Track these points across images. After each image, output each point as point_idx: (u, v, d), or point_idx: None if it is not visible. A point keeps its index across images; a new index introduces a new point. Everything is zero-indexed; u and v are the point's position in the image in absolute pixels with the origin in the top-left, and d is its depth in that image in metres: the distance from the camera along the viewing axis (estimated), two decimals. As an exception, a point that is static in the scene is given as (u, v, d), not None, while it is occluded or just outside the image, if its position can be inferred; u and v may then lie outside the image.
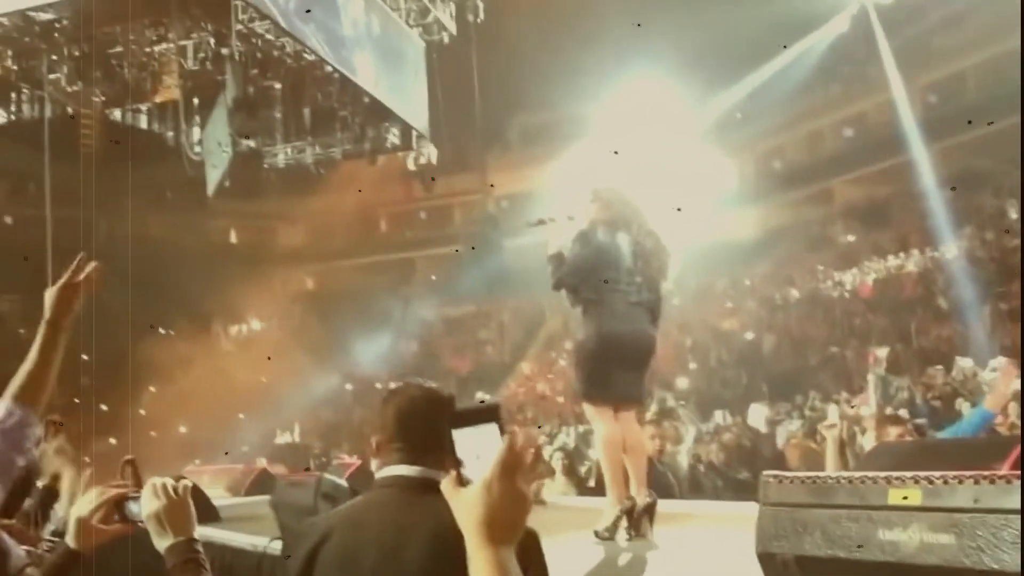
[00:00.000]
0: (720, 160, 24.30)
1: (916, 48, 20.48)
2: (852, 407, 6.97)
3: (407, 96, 16.64)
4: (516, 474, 1.20)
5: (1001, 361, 6.82)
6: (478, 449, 1.23)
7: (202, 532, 2.11)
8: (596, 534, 4.26)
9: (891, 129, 20.88)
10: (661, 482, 6.07)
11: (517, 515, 1.20)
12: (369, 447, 2.31)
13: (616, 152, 18.76)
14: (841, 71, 22.43)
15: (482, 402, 1.33)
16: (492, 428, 1.24)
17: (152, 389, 20.23)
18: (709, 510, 5.58)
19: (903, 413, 7.93)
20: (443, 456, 2.23)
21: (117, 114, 16.34)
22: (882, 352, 7.36)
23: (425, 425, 2.22)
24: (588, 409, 4.54)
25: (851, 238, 21.63)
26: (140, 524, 2.06)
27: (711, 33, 18.96)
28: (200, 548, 2.00)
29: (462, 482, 1.22)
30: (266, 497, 6.97)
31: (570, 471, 8.80)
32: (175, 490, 2.02)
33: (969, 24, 19.79)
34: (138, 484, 2.21)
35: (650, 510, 4.28)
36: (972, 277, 15.39)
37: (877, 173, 21.90)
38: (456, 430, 1.25)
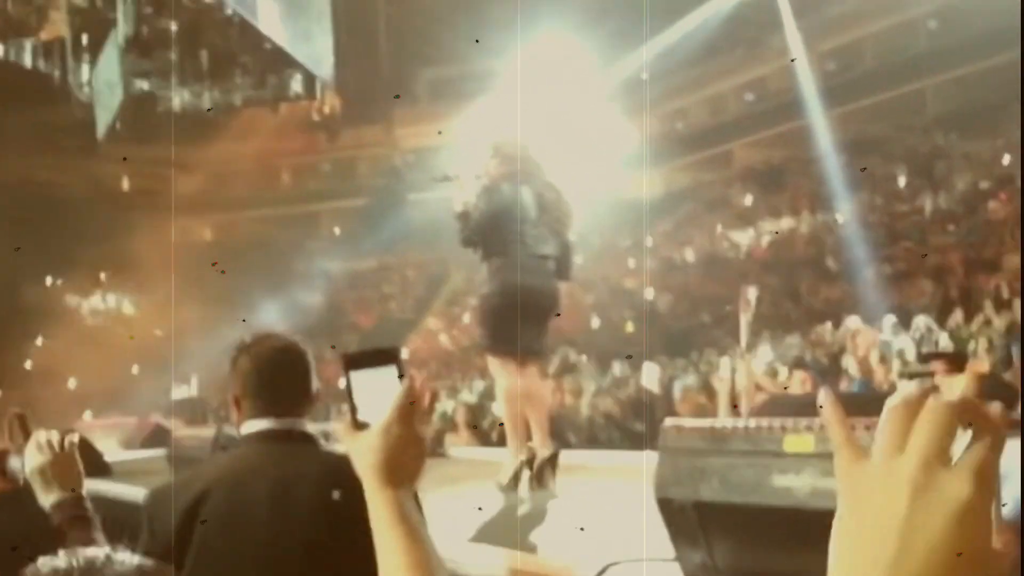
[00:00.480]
0: (625, 120, 24.53)
1: (816, 16, 20.97)
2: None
3: (311, 43, 16.21)
4: (414, 417, 1.19)
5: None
6: (375, 392, 1.20)
7: (92, 486, 2.04)
8: (498, 486, 4.32)
9: (791, 95, 21.41)
10: (562, 434, 6.19)
11: (415, 458, 1.19)
12: (230, 404, 2.27)
13: (521, 108, 18.73)
14: (744, 36, 22.82)
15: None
16: (391, 371, 1.21)
17: (39, 341, 19.46)
18: (608, 461, 5.72)
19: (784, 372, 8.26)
20: (305, 406, 2.23)
21: (-1, 49, 15.45)
22: (752, 295, 7.52)
23: (285, 376, 2.21)
24: (492, 362, 4.59)
25: (748, 200, 22.19)
26: (22, 481, 1.97)
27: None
28: (88, 504, 1.93)
29: (359, 426, 1.19)
30: (160, 451, 6.83)
31: (472, 425, 8.88)
32: (61, 444, 1.93)
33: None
34: (27, 438, 2.12)
35: (552, 461, 4.35)
36: (862, 240, 16.00)
37: (776, 137, 22.48)
38: (354, 372, 1.22)
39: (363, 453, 1.18)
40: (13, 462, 2.04)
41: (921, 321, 10.20)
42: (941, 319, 10.77)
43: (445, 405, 10.69)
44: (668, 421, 2.58)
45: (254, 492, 2.09)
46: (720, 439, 2.37)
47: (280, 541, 2.04)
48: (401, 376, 1.20)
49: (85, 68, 14.78)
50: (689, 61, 22.20)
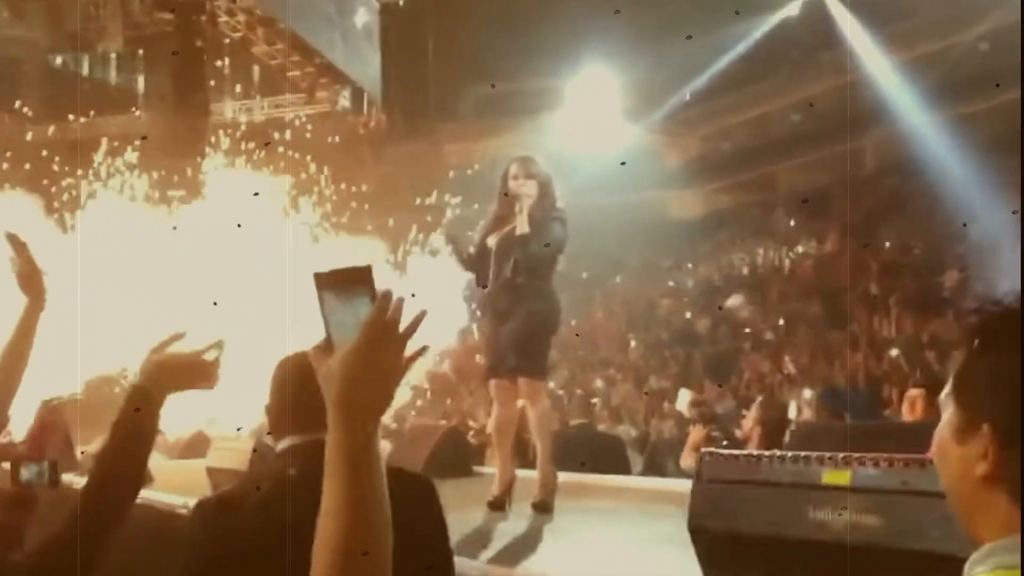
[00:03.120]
0: (667, 139, 24.52)
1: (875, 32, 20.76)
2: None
3: (362, 61, 16.46)
4: (387, 344, 1.07)
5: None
6: (349, 316, 1.10)
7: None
8: (488, 504, 4.44)
9: (840, 115, 21.23)
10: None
11: (382, 389, 1.07)
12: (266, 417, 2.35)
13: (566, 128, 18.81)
14: (791, 55, 22.69)
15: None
16: (364, 292, 1.10)
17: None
18: (611, 483, 5.76)
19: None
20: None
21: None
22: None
23: (315, 392, 2.28)
24: (490, 386, 4.65)
25: (791, 223, 21.99)
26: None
27: (666, 12, 19.01)
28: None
29: (329, 351, 1.09)
30: (200, 460, 6.92)
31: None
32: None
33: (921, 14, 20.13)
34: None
35: (540, 507, 4.38)
36: (904, 265, 15.79)
37: (819, 160, 22.27)
38: (327, 292, 1.11)
39: (327, 378, 1.08)
40: (23, 471, 2.06)
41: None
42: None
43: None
44: (706, 450, 2.58)
45: (287, 505, 2.13)
46: (757, 469, 2.36)
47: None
48: (373, 299, 1.09)
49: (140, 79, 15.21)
50: (734, 81, 22.14)
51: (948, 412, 1.03)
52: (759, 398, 7.64)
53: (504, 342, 4.43)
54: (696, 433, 6.38)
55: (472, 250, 4.68)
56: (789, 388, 10.93)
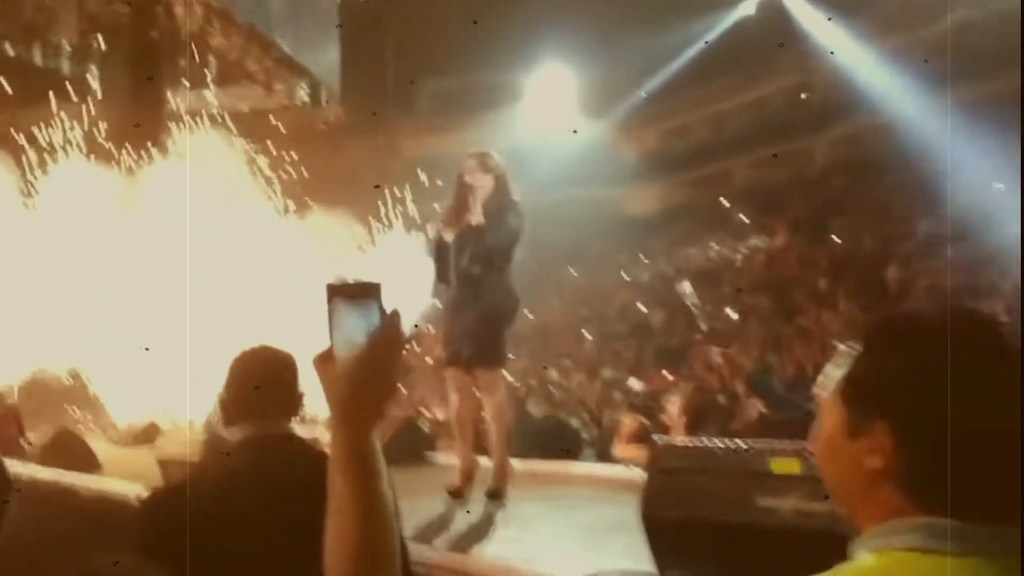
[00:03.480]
0: (623, 135, 24.64)
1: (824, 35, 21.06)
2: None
3: (319, 52, 16.32)
4: (389, 356, 1.17)
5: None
6: (354, 326, 1.19)
7: (81, 480, 2.09)
8: (448, 492, 4.51)
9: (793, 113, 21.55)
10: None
11: (381, 398, 1.16)
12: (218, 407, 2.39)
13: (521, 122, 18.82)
14: (746, 55, 22.94)
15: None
16: (372, 306, 1.19)
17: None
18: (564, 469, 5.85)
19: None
20: (290, 411, 2.29)
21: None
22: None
23: (268, 383, 2.31)
24: (447, 376, 4.70)
25: (744, 218, 22.25)
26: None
27: (627, 8, 19.10)
28: None
29: (332, 358, 1.17)
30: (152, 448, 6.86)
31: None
32: None
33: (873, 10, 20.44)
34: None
35: (493, 495, 4.46)
36: (852, 261, 16.06)
37: (772, 157, 22.58)
38: (335, 303, 1.20)
39: (332, 385, 1.16)
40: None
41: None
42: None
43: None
44: (657, 437, 2.64)
45: (244, 494, 2.15)
46: (709, 458, 2.42)
47: (272, 539, 2.09)
48: (381, 312, 1.19)
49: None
50: (689, 79, 22.34)
51: (834, 411, 1.11)
52: (689, 387, 7.68)
53: (460, 332, 4.48)
54: (627, 421, 6.40)
55: (431, 245, 4.73)
56: (737, 378, 11.06)
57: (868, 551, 1.04)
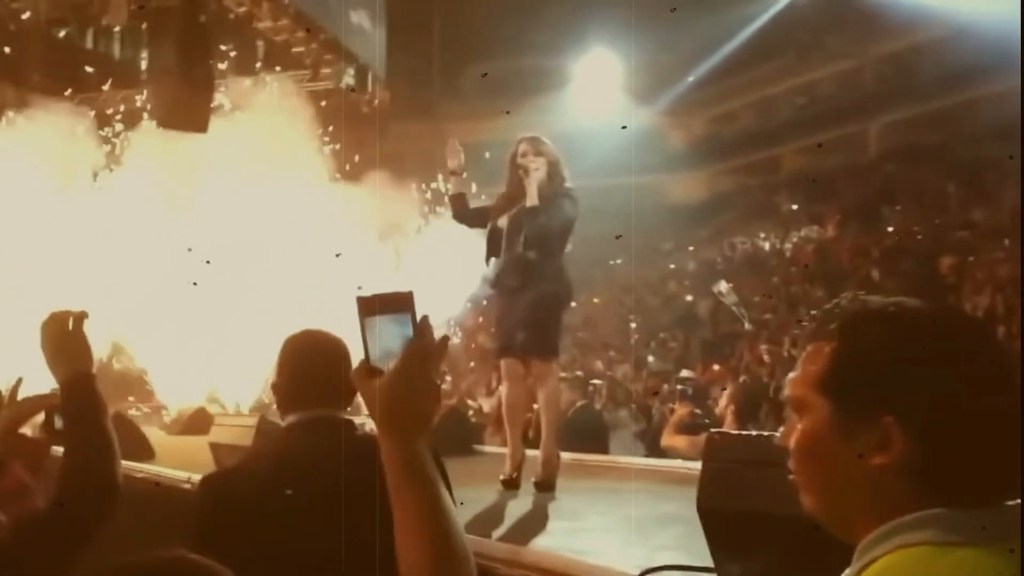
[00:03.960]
0: (670, 122, 24.40)
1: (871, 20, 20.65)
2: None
3: (365, 36, 16.34)
4: (427, 364, 1.17)
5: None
6: (390, 338, 1.19)
7: (136, 467, 2.09)
8: (502, 482, 4.47)
9: (842, 100, 21.14)
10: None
11: (426, 406, 1.17)
12: (272, 392, 2.37)
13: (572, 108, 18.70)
14: (796, 38, 22.53)
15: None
16: (405, 317, 1.19)
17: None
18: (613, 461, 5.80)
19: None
20: (342, 397, 2.27)
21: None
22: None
23: (322, 369, 2.29)
24: (501, 365, 4.64)
25: (794, 207, 21.96)
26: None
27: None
28: (98, 387, 1.89)
29: (372, 372, 1.18)
30: (203, 436, 6.94)
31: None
32: (71, 320, 1.90)
33: None
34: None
35: (542, 486, 4.40)
36: (905, 251, 15.76)
37: (824, 143, 22.21)
38: (368, 317, 1.20)
39: (374, 399, 1.16)
40: (58, 420, 2.04)
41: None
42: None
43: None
44: (714, 431, 2.58)
45: (296, 479, 2.13)
46: (765, 449, 2.36)
47: (323, 525, 2.07)
48: (415, 322, 1.18)
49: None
50: (738, 64, 22.00)
51: (816, 410, 1.07)
52: (742, 378, 7.58)
53: (515, 321, 4.41)
54: (680, 411, 6.34)
55: (479, 221, 4.66)
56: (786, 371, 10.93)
57: (885, 550, 1.00)
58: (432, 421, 1.18)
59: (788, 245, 19.62)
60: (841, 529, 1.07)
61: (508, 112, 17.78)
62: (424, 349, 1.17)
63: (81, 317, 1.91)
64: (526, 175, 4.46)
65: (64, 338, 1.88)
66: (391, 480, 1.14)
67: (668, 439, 6.06)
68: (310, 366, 2.28)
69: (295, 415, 2.27)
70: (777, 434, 2.48)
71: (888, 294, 1.14)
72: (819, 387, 1.07)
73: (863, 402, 1.03)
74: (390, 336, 1.18)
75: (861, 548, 1.03)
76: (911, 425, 1.00)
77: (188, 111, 8.08)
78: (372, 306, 1.20)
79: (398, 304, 1.19)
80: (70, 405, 1.87)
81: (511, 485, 4.45)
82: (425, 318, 1.18)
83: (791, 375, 1.12)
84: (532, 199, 4.42)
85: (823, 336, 1.09)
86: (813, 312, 1.15)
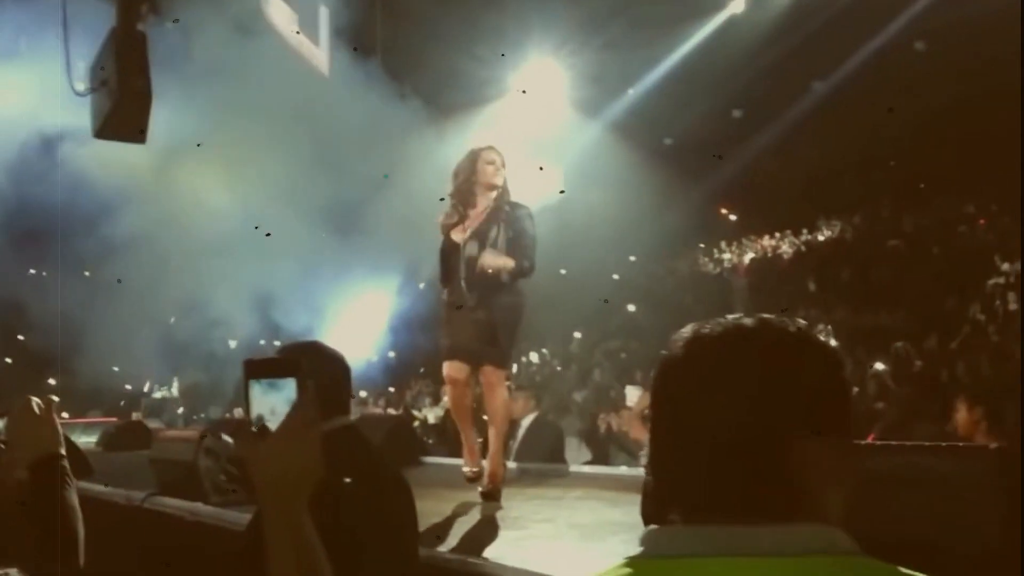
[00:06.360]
0: (613, 137, 24.52)
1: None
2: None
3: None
4: (308, 431, 1.16)
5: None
6: (274, 403, 1.18)
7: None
8: (468, 480, 4.57)
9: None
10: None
11: (305, 473, 1.15)
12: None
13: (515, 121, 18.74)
14: (733, 56, 22.85)
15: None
16: (290, 383, 1.18)
17: (21, 337, 19.24)
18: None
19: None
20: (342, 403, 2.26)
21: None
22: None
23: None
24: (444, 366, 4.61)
25: (732, 218, 22.26)
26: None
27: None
28: (67, 464, 1.96)
29: (254, 437, 1.18)
30: (141, 452, 6.80)
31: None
32: (39, 407, 1.98)
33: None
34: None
35: (489, 496, 4.42)
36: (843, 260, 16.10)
37: (760, 156, 22.58)
38: (254, 380, 1.20)
39: (254, 464, 1.15)
40: None
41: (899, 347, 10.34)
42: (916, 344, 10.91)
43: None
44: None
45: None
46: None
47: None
48: (300, 387, 1.17)
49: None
50: (678, 81, 22.23)
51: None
52: None
53: (472, 331, 4.38)
54: (642, 401, 6.28)
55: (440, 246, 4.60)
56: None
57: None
58: (306, 492, 1.16)
59: (727, 255, 19.91)
60: None
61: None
62: (306, 414, 1.16)
63: (49, 403, 1.98)
64: (491, 189, 4.48)
65: (34, 423, 1.95)
66: (268, 543, 1.13)
67: (638, 432, 6.04)
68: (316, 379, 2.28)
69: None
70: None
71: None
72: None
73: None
74: (273, 402, 1.18)
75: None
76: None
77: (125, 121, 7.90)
78: (258, 369, 1.20)
79: (284, 369, 1.19)
80: (40, 483, 1.92)
81: (478, 479, 4.44)
82: (308, 385, 1.17)
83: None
84: (495, 215, 4.45)
85: None
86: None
